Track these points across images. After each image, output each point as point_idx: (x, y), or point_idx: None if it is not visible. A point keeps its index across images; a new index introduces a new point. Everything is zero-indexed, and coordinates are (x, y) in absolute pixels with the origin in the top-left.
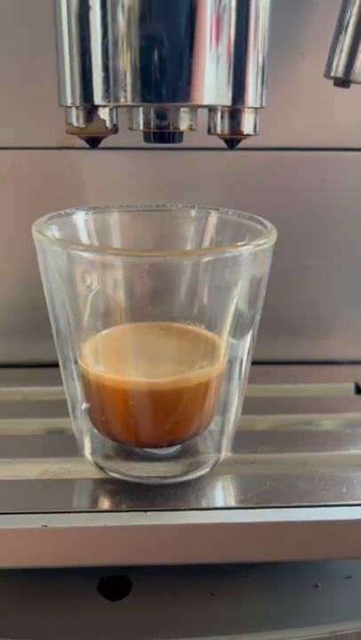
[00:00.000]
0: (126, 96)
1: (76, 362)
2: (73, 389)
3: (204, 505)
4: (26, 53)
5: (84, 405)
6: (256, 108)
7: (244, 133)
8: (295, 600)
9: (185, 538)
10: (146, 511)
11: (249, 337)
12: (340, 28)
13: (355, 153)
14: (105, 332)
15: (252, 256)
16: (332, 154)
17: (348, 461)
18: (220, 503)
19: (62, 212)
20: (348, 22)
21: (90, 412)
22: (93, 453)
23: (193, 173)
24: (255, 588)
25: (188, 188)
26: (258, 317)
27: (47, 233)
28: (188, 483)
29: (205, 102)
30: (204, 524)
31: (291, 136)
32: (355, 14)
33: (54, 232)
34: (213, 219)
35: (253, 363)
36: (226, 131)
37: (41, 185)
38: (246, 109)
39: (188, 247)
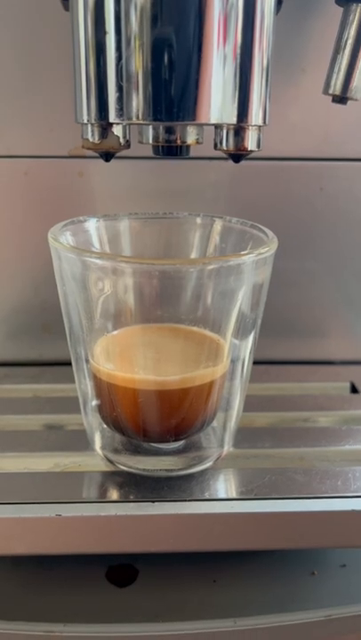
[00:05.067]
0: (139, 115)
1: (87, 360)
2: (84, 387)
3: (207, 496)
4: (39, 67)
5: (95, 402)
6: (260, 126)
7: (249, 149)
8: (293, 586)
9: (189, 527)
10: (153, 502)
11: (251, 338)
12: (338, 49)
13: (352, 163)
14: (115, 332)
15: (255, 264)
16: (331, 163)
17: (343, 456)
18: (222, 494)
19: (75, 220)
20: (346, 43)
21: (100, 408)
22: (103, 447)
23: (197, 181)
24: (255, 575)
25: (192, 195)
26: (259, 320)
27: (62, 239)
28: (192, 475)
29: (212, 121)
30: (208, 513)
31: (291, 147)
32: (352, 36)
33: (68, 238)
34: (218, 226)
35: (253, 362)
36: (231, 147)
37: (52, 192)
38: (250, 127)
39: (194, 253)
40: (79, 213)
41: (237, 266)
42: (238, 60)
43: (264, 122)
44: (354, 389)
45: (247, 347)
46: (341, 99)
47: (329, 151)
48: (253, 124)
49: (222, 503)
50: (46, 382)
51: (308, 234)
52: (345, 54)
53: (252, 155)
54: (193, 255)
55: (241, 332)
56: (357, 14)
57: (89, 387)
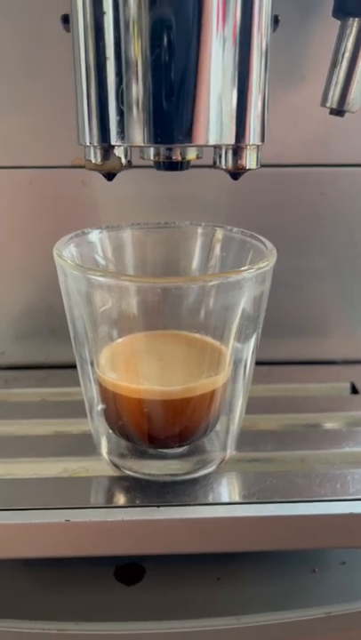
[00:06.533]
0: (139, 138)
1: (92, 364)
2: (90, 392)
3: (210, 500)
4: (43, 77)
5: (101, 407)
6: (258, 145)
7: (247, 168)
8: (294, 583)
9: (193, 530)
10: (158, 506)
11: (252, 342)
12: (335, 62)
13: (351, 168)
14: (119, 340)
15: (255, 278)
16: (331, 169)
17: (343, 459)
18: (225, 498)
19: (79, 232)
20: (343, 56)
21: (106, 415)
22: (110, 452)
23: (199, 188)
24: (257, 573)
25: (195, 201)
26: (260, 325)
27: (66, 252)
28: (196, 479)
29: (211, 142)
30: (211, 517)
31: (292, 153)
32: (349, 49)
33: (72, 250)
34: (219, 235)
35: (255, 363)
36: (230, 166)
37: (56, 200)
38: (249, 146)
39: (196, 261)
40: (83, 221)
41: (237, 282)
42: (236, 84)
43: (262, 140)
44: (354, 390)
45: (249, 350)
46: (339, 111)
47: (329, 157)
48: (252, 143)
49: (225, 507)
50: (53, 386)
51: (309, 235)
52: (342, 68)
53: None
54: (195, 264)
55: (243, 338)
56: (354, 28)
57: (94, 392)
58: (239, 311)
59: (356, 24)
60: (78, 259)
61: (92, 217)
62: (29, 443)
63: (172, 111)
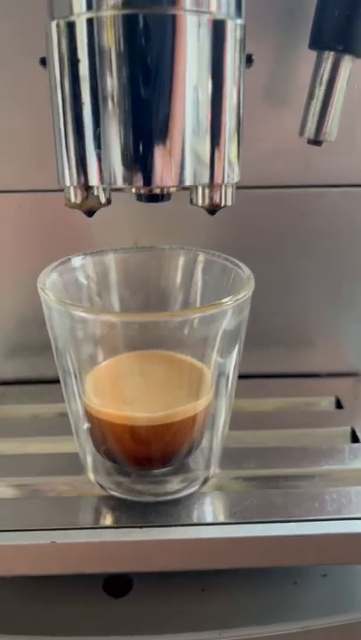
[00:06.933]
0: (117, 181)
1: (77, 382)
2: (75, 407)
3: (192, 521)
4: (31, 104)
5: (87, 425)
6: (232, 183)
7: (222, 205)
8: (276, 594)
9: (175, 550)
10: (141, 527)
11: (234, 357)
12: (312, 94)
13: (331, 189)
14: (103, 363)
15: (234, 307)
16: (312, 190)
17: (322, 477)
18: (206, 519)
19: (63, 259)
20: (319, 89)
21: (92, 436)
22: (95, 472)
23: (186, 209)
24: (241, 585)
25: (182, 223)
26: (242, 342)
27: (49, 280)
28: (179, 499)
29: (187, 184)
30: (192, 539)
31: (274, 175)
32: (324, 82)
33: (55, 278)
34: (201, 259)
35: (239, 376)
36: (206, 204)
37: (45, 223)
38: (223, 185)
39: (179, 284)
40: (73, 243)
41: (216, 314)
42: (209, 128)
43: (236, 178)
44: (339, 404)
45: (230, 366)
46: (316, 142)
47: (309, 179)
48: (226, 182)
49: (205, 528)
50: (45, 402)
51: (293, 251)
52: (318, 100)
53: (240, 184)
54: (177, 288)
55: (225, 354)
56: (329, 61)
57: (79, 407)
58: (219, 335)
59: (330, 57)
60: (62, 287)
61: (81, 239)
62: (19, 461)
63: (147, 155)
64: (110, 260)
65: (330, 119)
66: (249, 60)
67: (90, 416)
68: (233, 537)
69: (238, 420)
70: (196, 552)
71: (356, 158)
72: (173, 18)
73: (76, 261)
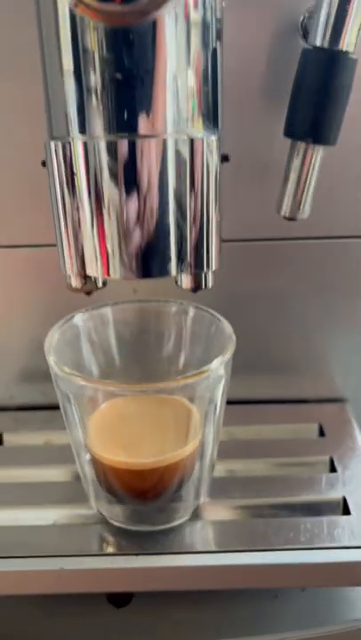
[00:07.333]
0: (113, 272)
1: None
2: (77, 436)
3: (182, 549)
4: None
5: (88, 457)
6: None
7: (204, 287)
8: (257, 608)
9: (167, 575)
10: (137, 554)
11: (222, 388)
12: (287, 177)
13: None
14: (102, 406)
15: (218, 365)
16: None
17: (301, 507)
18: (195, 547)
19: (67, 317)
20: (293, 173)
21: (94, 470)
22: (97, 501)
23: None
24: (228, 597)
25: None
26: (228, 378)
27: (53, 339)
28: (171, 528)
29: (173, 274)
30: (181, 566)
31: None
32: (297, 168)
33: (56, 337)
34: (191, 313)
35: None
36: (189, 287)
37: (49, 276)
38: (204, 272)
39: (171, 335)
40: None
41: (203, 377)
42: (192, 228)
43: (215, 266)
44: (322, 431)
45: (218, 396)
46: (291, 218)
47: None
48: (206, 270)
49: (194, 556)
50: (56, 428)
51: (282, 282)
52: (293, 182)
53: (228, 237)
54: (169, 337)
55: (213, 392)
56: (301, 150)
57: (80, 435)
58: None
59: (302, 146)
60: (65, 343)
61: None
62: (29, 490)
63: (137, 252)
64: (108, 313)
65: (303, 200)
66: (226, 158)
67: (91, 454)
68: (218, 565)
69: (226, 448)
70: (185, 577)
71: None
72: (156, 142)
73: (77, 319)
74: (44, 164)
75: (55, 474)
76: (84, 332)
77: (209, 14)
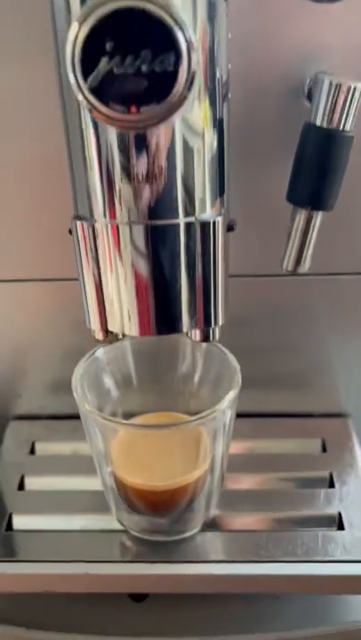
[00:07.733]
0: (130, 330)
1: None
2: (98, 447)
3: (192, 558)
4: (40, 192)
5: (109, 469)
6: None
7: (210, 341)
8: (260, 608)
9: (179, 580)
10: (153, 562)
11: (231, 408)
12: (289, 237)
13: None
14: (121, 433)
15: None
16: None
17: (299, 521)
18: (205, 556)
19: (91, 352)
20: (295, 236)
21: (116, 484)
22: (118, 512)
23: None
24: (235, 597)
25: None
26: (237, 399)
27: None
28: (183, 539)
29: (184, 331)
30: (190, 574)
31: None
32: (299, 229)
33: (80, 371)
34: (203, 347)
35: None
36: (198, 339)
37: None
38: (211, 328)
39: (184, 369)
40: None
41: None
42: (201, 292)
43: (222, 321)
44: (325, 447)
45: (227, 415)
46: (293, 273)
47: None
48: (213, 326)
49: (202, 565)
50: (83, 438)
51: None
52: (295, 242)
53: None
54: (184, 370)
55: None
56: (303, 215)
57: (101, 445)
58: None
59: (303, 212)
60: (88, 377)
61: None
62: (59, 497)
63: (153, 312)
64: (127, 347)
65: (304, 257)
66: (231, 228)
67: (113, 471)
68: (224, 574)
69: (235, 461)
70: (195, 582)
71: None
72: (171, 227)
73: (99, 353)
74: (70, 231)
75: (83, 483)
76: (104, 365)
77: (217, 105)
